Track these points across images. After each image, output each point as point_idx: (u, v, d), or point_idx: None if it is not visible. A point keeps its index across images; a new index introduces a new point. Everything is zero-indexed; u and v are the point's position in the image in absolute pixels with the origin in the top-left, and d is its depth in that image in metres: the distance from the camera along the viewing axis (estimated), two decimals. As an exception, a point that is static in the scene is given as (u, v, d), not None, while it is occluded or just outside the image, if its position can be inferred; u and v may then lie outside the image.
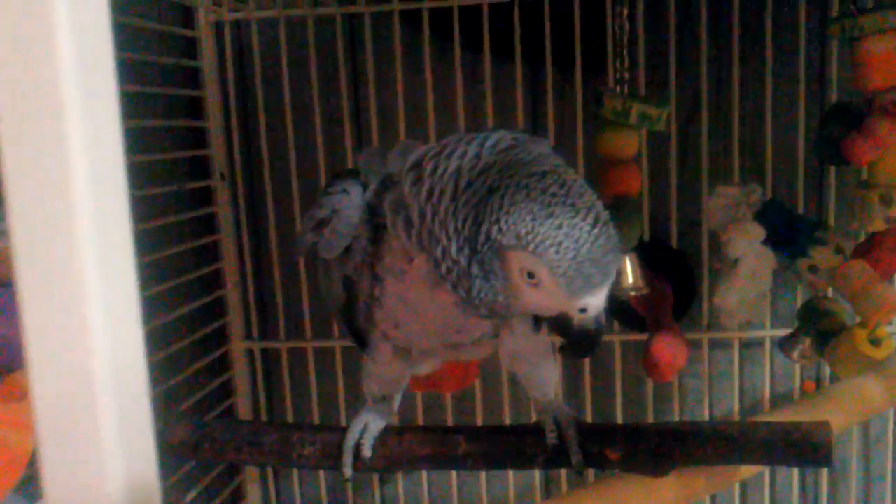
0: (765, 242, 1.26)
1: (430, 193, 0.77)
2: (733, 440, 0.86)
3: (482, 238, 0.74)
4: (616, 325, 1.51)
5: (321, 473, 1.63)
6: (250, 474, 1.65)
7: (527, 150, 0.78)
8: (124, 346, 0.37)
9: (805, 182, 1.43)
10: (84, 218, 0.36)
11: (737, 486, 1.56)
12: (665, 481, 0.93)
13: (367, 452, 0.96)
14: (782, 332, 1.44)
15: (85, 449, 0.35)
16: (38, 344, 0.36)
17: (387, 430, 0.97)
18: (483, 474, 1.58)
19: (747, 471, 0.99)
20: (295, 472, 1.65)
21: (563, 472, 1.55)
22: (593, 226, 0.72)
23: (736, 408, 1.54)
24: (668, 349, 1.14)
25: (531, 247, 0.72)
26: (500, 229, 0.73)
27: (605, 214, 0.74)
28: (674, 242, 1.48)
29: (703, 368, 1.54)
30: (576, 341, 0.79)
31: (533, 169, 0.74)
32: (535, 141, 0.80)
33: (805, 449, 0.86)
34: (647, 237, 1.46)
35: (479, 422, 1.53)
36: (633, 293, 1.18)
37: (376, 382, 1.00)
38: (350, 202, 0.87)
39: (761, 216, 1.26)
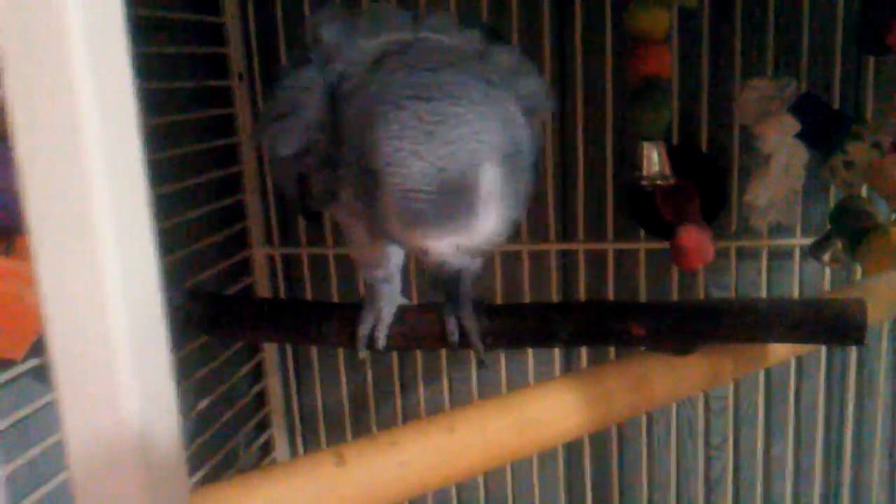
0: (798, 137, 1.22)
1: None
2: (762, 315, 0.83)
3: (360, 153, 0.72)
4: (641, 232, 1.48)
5: (341, 362, 1.63)
6: (269, 356, 1.65)
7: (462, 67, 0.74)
8: (139, 276, 0.35)
9: (842, 75, 1.37)
10: (94, 152, 0.34)
11: (761, 396, 1.54)
12: (691, 361, 0.90)
13: (381, 343, 0.95)
14: (812, 240, 1.40)
15: (101, 385, 0.34)
16: (50, 280, 0.34)
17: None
18: (503, 364, 1.56)
19: (775, 356, 0.96)
20: (315, 358, 1.65)
21: (585, 354, 1.53)
22: (447, 160, 0.67)
23: (762, 317, 1.51)
24: (696, 235, 1.11)
25: (377, 165, 0.69)
26: (368, 144, 0.70)
27: (478, 156, 0.68)
28: (703, 146, 1.44)
29: (731, 279, 1.51)
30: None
31: (427, 92, 0.70)
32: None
33: (837, 325, 0.83)
34: (675, 140, 1.42)
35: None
36: (659, 182, 1.14)
37: (362, 265, 0.99)
38: (310, 100, 0.81)
39: (795, 110, 1.22)
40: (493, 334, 0.92)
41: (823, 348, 1.51)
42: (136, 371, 0.35)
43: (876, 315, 1.07)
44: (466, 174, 0.67)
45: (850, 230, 1.26)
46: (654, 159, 1.14)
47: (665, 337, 0.86)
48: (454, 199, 0.67)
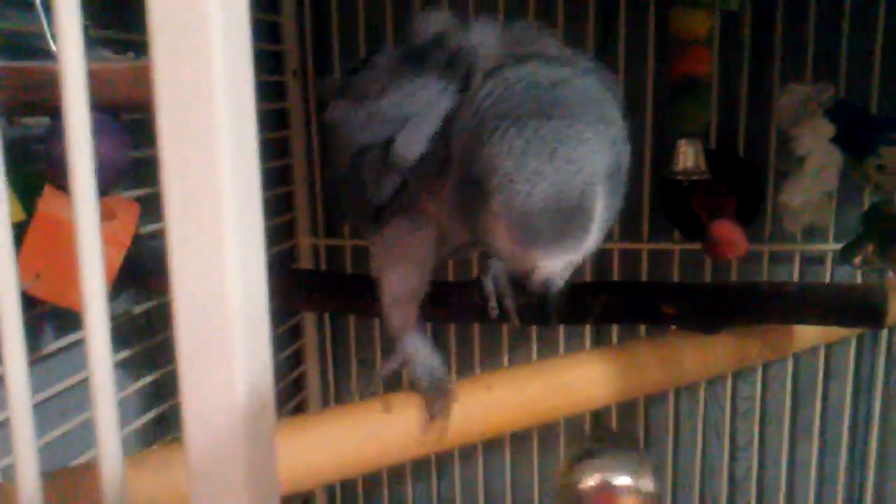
0: (834, 141, 1.25)
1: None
2: (790, 297, 0.88)
3: (470, 165, 0.73)
4: (675, 233, 1.52)
5: (378, 353, 1.67)
6: (309, 341, 1.70)
7: (574, 86, 0.74)
8: (252, 266, 0.40)
9: (881, 82, 1.40)
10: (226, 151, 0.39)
11: (788, 399, 1.56)
12: (720, 341, 0.95)
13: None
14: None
15: (218, 357, 0.39)
16: (180, 268, 0.39)
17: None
18: (535, 346, 1.59)
19: (803, 340, 1.00)
20: (353, 347, 1.70)
21: (615, 336, 1.56)
22: (568, 181, 0.68)
23: (792, 321, 1.54)
24: (729, 227, 1.15)
25: (494, 181, 0.69)
26: (485, 158, 0.70)
27: (594, 177, 0.69)
28: (741, 150, 1.47)
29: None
30: (530, 303, 0.78)
31: (548, 109, 0.70)
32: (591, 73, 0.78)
33: (860, 309, 0.87)
34: (713, 144, 1.46)
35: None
36: (695, 177, 1.19)
37: (398, 307, 0.93)
38: (443, 104, 0.80)
39: (830, 115, 1.26)
40: (528, 310, 0.97)
41: (852, 352, 1.53)
42: (247, 347, 0.40)
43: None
44: (584, 195, 0.68)
45: (881, 233, 1.29)
46: (690, 154, 1.19)
47: (695, 316, 0.90)
48: (570, 220, 0.69)
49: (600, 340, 1.61)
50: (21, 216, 0.88)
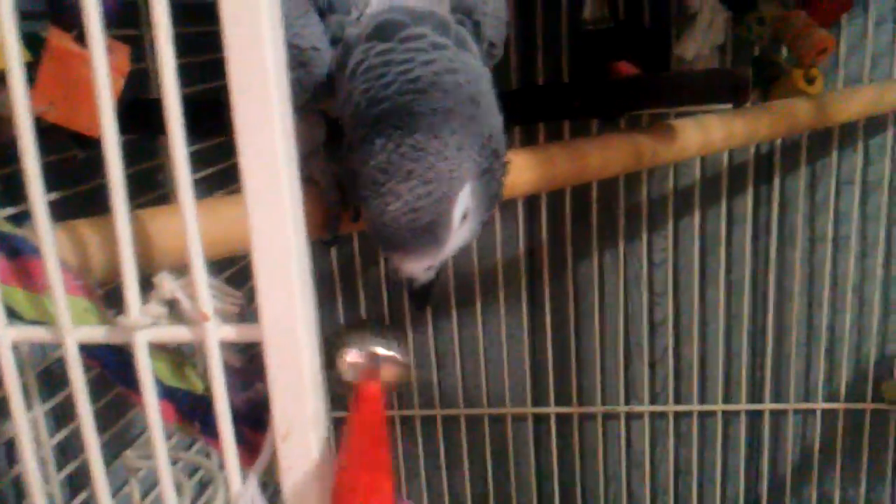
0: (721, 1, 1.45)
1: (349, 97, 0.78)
2: (672, 82, 1.07)
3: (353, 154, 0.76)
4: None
5: None
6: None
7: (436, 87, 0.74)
8: (296, 209, 0.52)
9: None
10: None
11: (696, 248, 1.77)
12: (617, 142, 1.13)
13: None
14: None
15: (284, 288, 0.52)
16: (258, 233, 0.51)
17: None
18: None
19: (684, 149, 1.18)
20: None
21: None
22: (422, 199, 0.71)
23: (698, 175, 1.74)
24: (626, 67, 1.32)
25: (360, 187, 0.73)
26: (357, 156, 0.74)
27: (454, 189, 0.72)
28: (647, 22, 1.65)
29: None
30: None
31: (416, 118, 0.72)
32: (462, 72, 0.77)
33: (725, 87, 1.06)
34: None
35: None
36: (601, 25, 1.37)
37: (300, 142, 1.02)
38: (320, 60, 0.83)
39: (718, -26, 1.45)
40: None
41: (750, 202, 1.74)
42: (300, 273, 0.52)
43: (772, 131, 1.31)
44: (438, 214, 0.72)
45: (765, 77, 1.50)
46: (594, 5, 1.37)
47: (596, 105, 1.09)
48: (423, 234, 0.72)
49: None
50: (28, 57, 1.01)
